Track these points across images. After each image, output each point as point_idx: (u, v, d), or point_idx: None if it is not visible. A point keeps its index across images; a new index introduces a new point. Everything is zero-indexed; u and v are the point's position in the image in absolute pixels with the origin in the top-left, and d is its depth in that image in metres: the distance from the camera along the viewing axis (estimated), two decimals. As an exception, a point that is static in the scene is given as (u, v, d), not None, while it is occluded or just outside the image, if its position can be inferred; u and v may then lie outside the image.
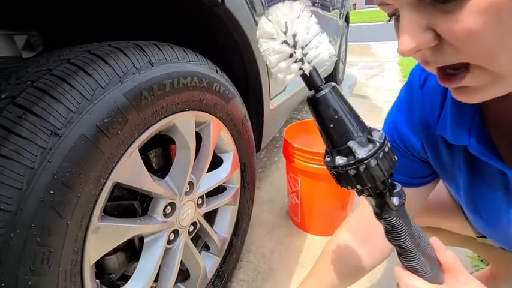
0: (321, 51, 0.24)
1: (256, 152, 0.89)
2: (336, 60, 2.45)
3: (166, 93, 0.43)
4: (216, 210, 0.75)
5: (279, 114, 1.05)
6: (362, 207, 0.50)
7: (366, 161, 0.24)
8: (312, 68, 0.24)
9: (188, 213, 0.58)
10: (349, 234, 0.50)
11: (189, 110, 0.51)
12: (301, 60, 0.23)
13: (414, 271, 0.30)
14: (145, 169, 0.43)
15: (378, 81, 2.98)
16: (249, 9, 0.63)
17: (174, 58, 0.46)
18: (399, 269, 0.32)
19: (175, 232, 0.56)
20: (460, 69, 0.25)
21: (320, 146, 1.09)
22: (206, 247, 0.73)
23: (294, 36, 0.23)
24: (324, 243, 0.93)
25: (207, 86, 0.54)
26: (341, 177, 0.26)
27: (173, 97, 0.45)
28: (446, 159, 0.41)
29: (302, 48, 0.23)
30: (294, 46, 0.23)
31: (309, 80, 0.25)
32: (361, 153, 0.24)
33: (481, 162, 0.35)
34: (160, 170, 0.57)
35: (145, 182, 0.44)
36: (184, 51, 0.49)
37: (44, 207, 0.28)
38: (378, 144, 0.25)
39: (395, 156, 0.26)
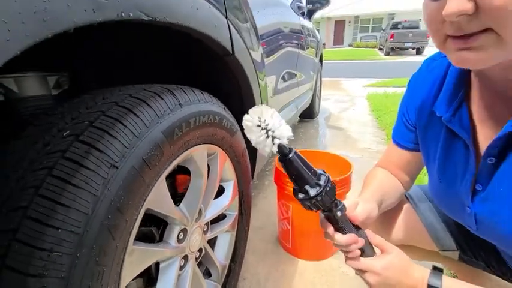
0: (282, 133, 0.39)
1: (251, 181, 0.95)
2: (313, 95, 2.68)
3: (191, 130, 0.50)
4: (215, 237, 0.79)
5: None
6: (386, 158, 0.69)
7: (315, 198, 0.40)
8: (278, 143, 0.38)
9: (197, 239, 0.62)
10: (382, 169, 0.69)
11: (203, 144, 0.58)
12: (272, 139, 0.38)
13: (364, 260, 0.48)
14: (170, 196, 0.48)
15: (350, 114, 3.25)
16: (250, 58, 0.74)
17: (196, 100, 0.53)
18: (356, 261, 0.48)
19: (185, 258, 0.59)
20: (479, 35, 0.33)
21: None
22: (207, 274, 0.75)
23: (266, 125, 0.38)
24: (316, 268, 0.99)
25: (219, 122, 0.61)
26: (303, 205, 0.43)
27: (194, 133, 0.52)
28: (430, 132, 0.55)
29: (271, 131, 0.38)
30: (266, 131, 0.38)
31: (278, 150, 0.39)
32: (312, 192, 0.40)
33: (454, 139, 0.50)
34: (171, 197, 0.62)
35: (169, 207, 0.49)
36: (202, 93, 0.57)
37: (103, 230, 0.33)
38: (322, 187, 0.40)
39: (334, 192, 0.43)
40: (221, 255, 0.78)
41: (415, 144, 0.61)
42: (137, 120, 0.39)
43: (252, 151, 0.95)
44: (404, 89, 0.63)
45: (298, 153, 0.40)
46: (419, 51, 12.69)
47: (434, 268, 0.45)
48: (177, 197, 0.59)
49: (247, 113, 0.38)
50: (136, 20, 0.34)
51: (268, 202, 1.43)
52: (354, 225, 0.47)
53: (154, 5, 0.36)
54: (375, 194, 0.58)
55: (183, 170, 0.60)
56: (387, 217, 0.73)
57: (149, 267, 0.53)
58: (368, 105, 3.63)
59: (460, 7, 0.32)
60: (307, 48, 2.11)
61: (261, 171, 1.78)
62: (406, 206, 0.74)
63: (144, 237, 0.51)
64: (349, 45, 21.76)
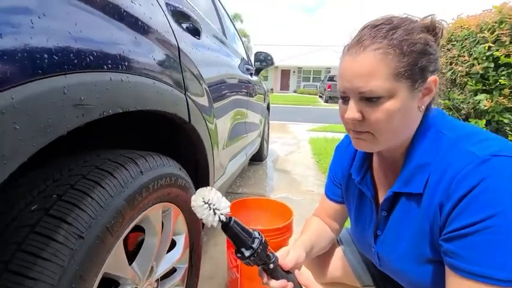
0: (222, 208, 0.48)
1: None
2: (261, 140, 2.89)
3: (150, 193, 0.56)
4: (165, 292, 0.79)
5: (220, 193, 1.22)
6: (319, 209, 0.84)
7: (248, 258, 0.51)
8: (220, 217, 0.48)
9: (147, 297, 0.63)
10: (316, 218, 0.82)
11: (159, 203, 0.64)
12: (214, 213, 0.47)
13: None
14: (125, 257, 0.52)
15: (295, 157, 3.54)
16: (204, 122, 0.85)
17: (155, 165, 0.60)
18: None
19: (134, 318, 0.60)
20: (364, 132, 0.52)
21: (259, 223, 1.26)
22: (155, 334, 0.74)
23: (209, 202, 0.47)
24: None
25: (174, 182, 0.68)
26: (242, 262, 0.52)
27: (153, 195, 0.58)
28: (349, 190, 0.72)
29: (214, 207, 0.47)
30: (209, 206, 0.47)
31: (220, 221, 0.48)
32: (246, 254, 0.51)
33: (364, 196, 0.67)
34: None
35: (124, 268, 0.52)
36: (160, 158, 0.65)
37: (66, 299, 0.36)
38: (254, 249, 0.51)
39: (266, 250, 0.53)
40: (170, 311, 0.78)
41: (341, 198, 0.78)
42: (103, 192, 0.45)
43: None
44: (340, 135, 0.82)
45: (237, 220, 0.50)
46: (351, 101, 14.75)
47: None
48: (128, 255, 0.61)
49: (195, 193, 0.48)
50: (114, 113, 0.42)
51: (218, 249, 1.45)
52: (285, 271, 0.57)
53: (128, 100, 0.45)
54: (306, 242, 0.69)
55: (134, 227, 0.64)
56: (322, 260, 0.85)
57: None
58: (311, 148, 4.01)
59: (353, 116, 0.50)
60: (253, 94, 2.34)
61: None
62: (337, 249, 0.87)
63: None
64: (294, 92, 24.16)
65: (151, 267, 0.65)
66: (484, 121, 1.80)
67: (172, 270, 0.81)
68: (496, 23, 1.70)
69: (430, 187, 0.50)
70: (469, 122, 1.86)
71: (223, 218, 0.47)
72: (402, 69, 0.47)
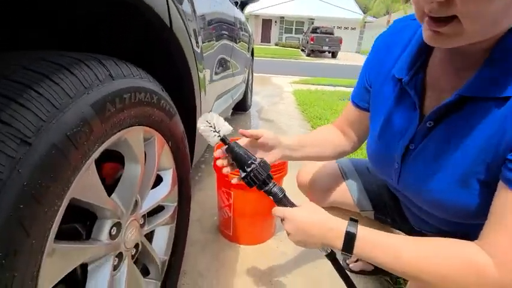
0: (224, 129, 0.58)
1: (190, 170, 0.90)
2: (245, 88, 2.72)
3: (125, 107, 0.43)
4: (153, 230, 0.72)
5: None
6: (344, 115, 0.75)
7: (245, 178, 0.57)
8: (221, 137, 0.58)
9: (133, 233, 0.55)
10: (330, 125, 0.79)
11: (139, 125, 0.51)
12: (218, 133, 0.57)
13: (285, 207, 0.59)
14: (101, 184, 0.41)
15: (279, 107, 3.44)
16: (187, 34, 0.69)
17: (130, 74, 0.46)
18: (277, 208, 0.60)
19: (120, 256, 0.52)
20: (445, 21, 0.37)
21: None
22: (145, 273, 0.68)
23: (213, 125, 0.57)
24: (256, 251, 1.01)
25: (157, 103, 0.55)
26: (245, 183, 0.58)
27: (129, 111, 0.45)
28: (382, 94, 0.60)
29: (217, 129, 0.58)
30: (213, 128, 0.57)
31: (222, 141, 0.58)
32: (248, 170, 0.57)
33: (404, 100, 0.55)
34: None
35: (100, 197, 0.41)
36: (137, 69, 0.50)
37: (11, 223, 0.25)
38: (253, 167, 0.56)
39: (265, 172, 0.57)
40: (160, 249, 0.72)
41: (367, 104, 0.66)
42: (56, 89, 0.31)
43: (190, 137, 0.90)
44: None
45: (238, 143, 0.57)
46: (334, 55, 14.38)
47: (351, 219, 0.52)
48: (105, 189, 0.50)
49: (201, 117, 0.58)
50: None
51: (204, 194, 1.39)
52: (283, 195, 0.60)
53: None
54: (295, 136, 0.70)
55: (110, 158, 0.52)
56: (325, 185, 0.82)
57: (73, 271, 0.45)
58: (295, 100, 3.91)
59: None
60: (240, 42, 2.12)
61: (196, 163, 1.72)
62: (339, 178, 0.83)
63: (65, 237, 0.43)
64: (276, 44, 22.99)
65: (136, 201, 0.55)
66: None
67: (160, 208, 0.72)
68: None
69: None
70: None
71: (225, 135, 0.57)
72: None
